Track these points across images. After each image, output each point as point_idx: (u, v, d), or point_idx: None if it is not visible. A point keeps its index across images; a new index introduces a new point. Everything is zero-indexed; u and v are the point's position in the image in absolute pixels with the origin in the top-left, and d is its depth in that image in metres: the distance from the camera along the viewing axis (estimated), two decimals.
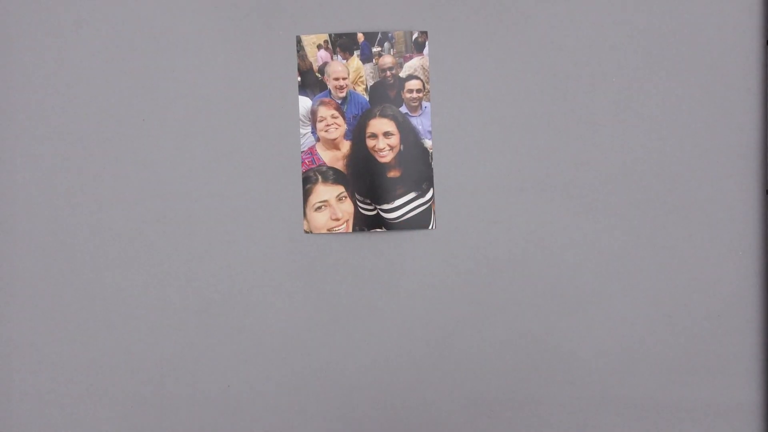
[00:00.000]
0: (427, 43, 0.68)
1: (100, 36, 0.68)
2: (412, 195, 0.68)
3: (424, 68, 0.68)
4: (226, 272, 0.68)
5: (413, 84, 0.68)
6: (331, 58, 0.68)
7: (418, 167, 0.68)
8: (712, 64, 0.68)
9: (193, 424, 0.68)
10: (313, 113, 0.68)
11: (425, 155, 0.68)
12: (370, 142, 0.68)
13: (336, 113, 0.68)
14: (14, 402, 0.68)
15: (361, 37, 0.68)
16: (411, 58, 0.68)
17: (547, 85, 0.68)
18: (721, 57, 0.68)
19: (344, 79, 0.68)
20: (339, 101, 0.68)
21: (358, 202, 0.68)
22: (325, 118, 0.68)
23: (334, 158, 0.68)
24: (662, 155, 0.68)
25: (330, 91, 0.68)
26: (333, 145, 0.68)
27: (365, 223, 0.68)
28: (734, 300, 0.68)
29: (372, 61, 0.68)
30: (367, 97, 0.68)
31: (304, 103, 0.68)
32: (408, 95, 0.68)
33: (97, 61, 0.68)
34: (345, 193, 0.68)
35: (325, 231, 0.68)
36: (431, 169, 0.68)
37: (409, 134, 0.68)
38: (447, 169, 0.68)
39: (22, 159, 0.68)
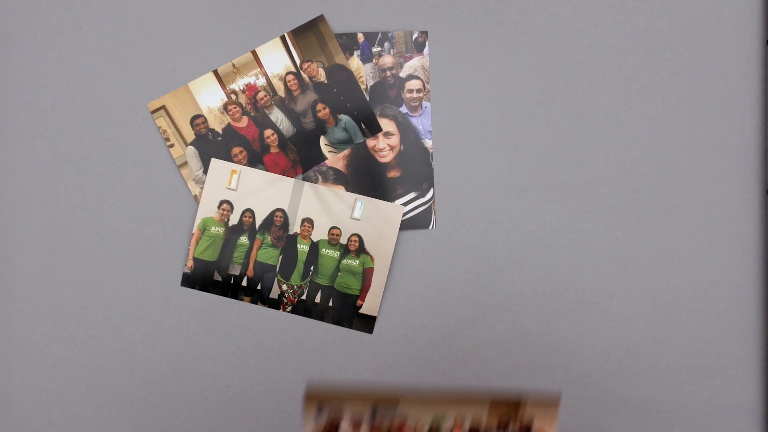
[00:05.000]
0: (427, 43, 0.68)
1: (100, 36, 0.68)
2: (412, 195, 0.68)
3: (424, 68, 0.68)
4: None
5: (413, 84, 0.68)
6: None
7: (418, 167, 0.68)
8: (712, 64, 0.68)
9: (193, 424, 0.68)
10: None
11: (425, 155, 0.68)
12: (370, 142, 0.68)
13: None
14: (14, 402, 0.68)
15: (361, 37, 0.68)
16: (411, 58, 0.68)
17: (547, 85, 0.68)
18: (721, 57, 0.68)
19: None
20: None
21: None
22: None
23: (334, 158, 0.68)
24: (662, 155, 0.68)
25: None
26: None
27: None
28: (734, 300, 0.68)
29: (372, 61, 0.68)
30: (367, 97, 0.68)
31: None
32: (408, 95, 0.68)
33: (97, 61, 0.68)
34: None
35: None
36: (431, 169, 0.68)
37: (409, 134, 0.68)
38: (447, 169, 0.68)
39: (22, 159, 0.68)
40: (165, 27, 0.68)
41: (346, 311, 0.66)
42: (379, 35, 0.68)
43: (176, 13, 0.68)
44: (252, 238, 0.66)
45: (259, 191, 0.66)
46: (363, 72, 0.68)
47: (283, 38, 0.67)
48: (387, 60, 0.68)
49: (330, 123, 0.67)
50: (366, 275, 0.66)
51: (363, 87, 0.68)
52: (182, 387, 0.68)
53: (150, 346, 0.68)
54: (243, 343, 0.68)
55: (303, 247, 0.66)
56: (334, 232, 0.66)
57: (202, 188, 0.67)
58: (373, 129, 0.67)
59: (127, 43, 0.68)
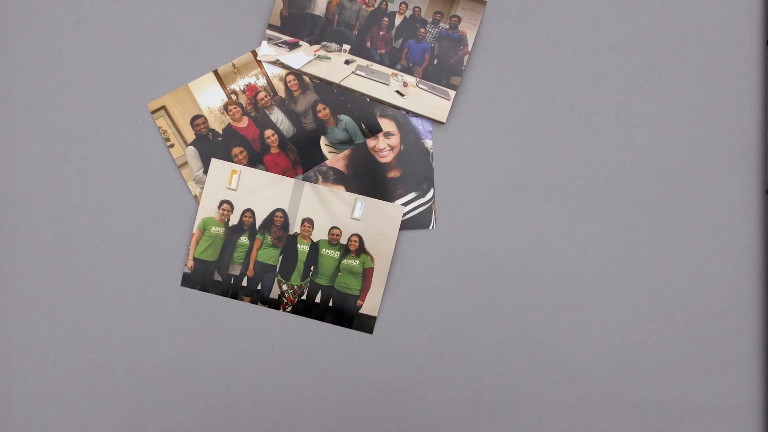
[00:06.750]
0: None
1: (100, 36, 0.68)
2: (412, 195, 0.68)
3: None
4: None
5: None
6: None
7: (418, 167, 0.68)
8: (712, 64, 0.68)
9: (193, 424, 0.68)
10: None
11: (425, 155, 0.68)
12: (370, 142, 0.68)
13: None
14: (14, 402, 0.68)
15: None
16: None
17: (547, 85, 0.68)
18: (721, 57, 0.68)
19: None
20: None
21: None
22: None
23: (334, 158, 0.68)
24: (662, 155, 0.68)
25: None
26: None
27: None
28: (734, 300, 0.68)
29: None
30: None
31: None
32: None
33: (97, 60, 0.68)
34: None
35: None
36: (431, 169, 0.68)
37: (409, 134, 0.68)
38: (447, 169, 0.68)
39: (22, 159, 0.68)
40: (165, 27, 0.68)
41: (346, 311, 0.66)
42: None
43: (176, 13, 0.68)
44: (252, 238, 0.66)
45: (260, 191, 0.66)
46: None
47: None
48: None
49: (330, 123, 0.67)
50: (366, 275, 0.66)
51: None
52: (182, 387, 0.68)
53: (150, 346, 0.68)
54: (243, 343, 0.68)
55: (303, 247, 0.66)
56: (334, 232, 0.66)
57: (202, 188, 0.67)
58: (374, 129, 0.67)
59: (127, 43, 0.68)
